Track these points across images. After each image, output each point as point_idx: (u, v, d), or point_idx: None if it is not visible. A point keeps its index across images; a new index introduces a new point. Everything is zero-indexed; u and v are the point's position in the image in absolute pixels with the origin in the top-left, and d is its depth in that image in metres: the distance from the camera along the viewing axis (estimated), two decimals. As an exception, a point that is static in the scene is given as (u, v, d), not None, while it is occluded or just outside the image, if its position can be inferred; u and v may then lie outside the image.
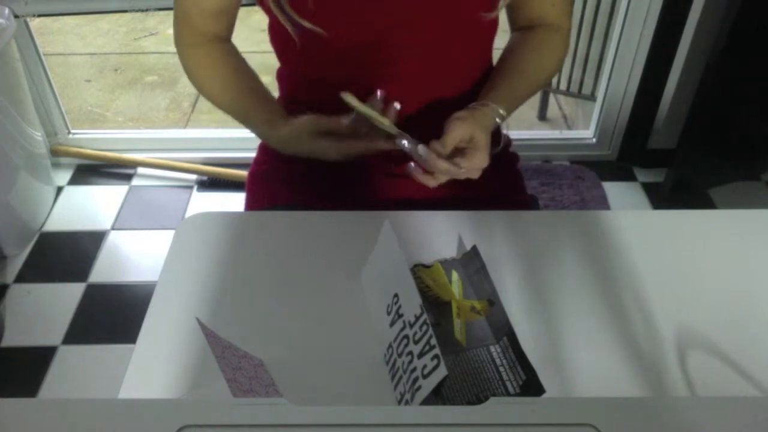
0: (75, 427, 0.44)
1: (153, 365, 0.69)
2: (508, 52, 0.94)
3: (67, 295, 1.72)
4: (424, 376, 0.59)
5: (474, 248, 0.79)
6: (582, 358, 0.69)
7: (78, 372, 1.55)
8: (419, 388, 0.59)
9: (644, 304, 0.74)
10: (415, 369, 0.61)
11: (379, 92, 0.86)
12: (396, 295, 0.66)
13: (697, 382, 0.66)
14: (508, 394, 0.66)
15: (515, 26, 0.96)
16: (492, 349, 0.69)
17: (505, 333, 0.70)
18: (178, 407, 0.46)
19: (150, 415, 0.45)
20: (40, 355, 1.57)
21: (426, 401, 0.58)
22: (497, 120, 0.84)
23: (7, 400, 0.45)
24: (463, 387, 0.66)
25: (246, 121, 0.92)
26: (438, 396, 0.63)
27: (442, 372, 0.57)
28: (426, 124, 0.93)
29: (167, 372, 0.68)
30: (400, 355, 0.64)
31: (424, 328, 0.61)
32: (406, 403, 0.62)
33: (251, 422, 0.44)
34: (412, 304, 0.63)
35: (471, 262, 0.78)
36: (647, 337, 0.71)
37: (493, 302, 0.74)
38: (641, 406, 0.46)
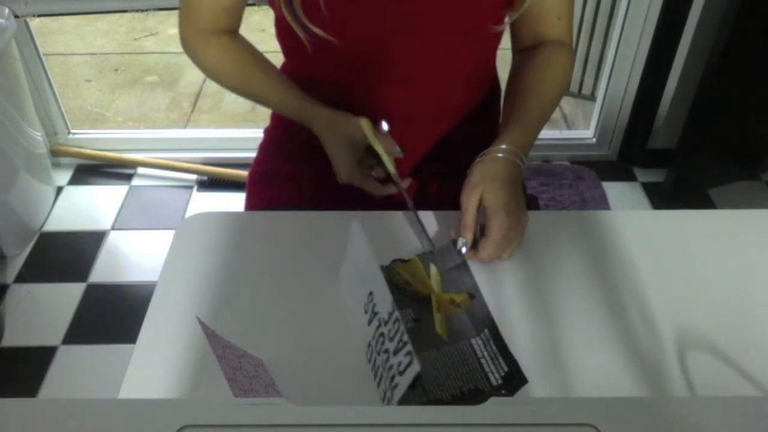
0: (75, 427, 0.44)
1: (153, 365, 0.69)
2: (515, 75, 0.91)
3: (67, 295, 1.72)
4: (400, 373, 0.59)
5: (453, 242, 0.79)
6: (582, 358, 0.69)
7: (78, 372, 1.55)
8: (396, 385, 0.59)
9: (644, 304, 0.74)
10: (392, 366, 0.61)
11: (384, 125, 0.86)
12: (371, 294, 0.66)
13: (697, 382, 0.66)
14: (491, 385, 0.66)
15: (518, 46, 0.93)
16: (473, 341, 0.70)
17: (486, 326, 0.71)
18: (178, 407, 0.46)
19: (150, 415, 0.45)
20: (40, 355, 1.57)
21: (404, 398, 0.59)
22: (518, 162, 0.80)
23: (7, 400, 0.45)
24: (446, 381, 0.66)
25: (276, 103, 0.92)
26: (414, 390, 0.63)
27: (415, 368, 0.57)
28: (427, 129, 0.93)
29: (167, 372, 0.68)
30: (378, 353, 0.64)
31: (396, 324, 0.61)
32: (388, 401, 0.62)
33: (251, 422, 0.44)
34: (385, 302, 0.63)
35: (449, 255, 0.78)
36: (647, 337, 0.71)
37: (473, 296, 0.74)
38: (641, 406, 0.46)
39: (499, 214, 0.76)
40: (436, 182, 0.97)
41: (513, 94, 0.89)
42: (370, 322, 0.66)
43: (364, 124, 0.83)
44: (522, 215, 0.79)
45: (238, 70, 0.92)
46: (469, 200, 0.77)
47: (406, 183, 0.85)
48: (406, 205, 0.85)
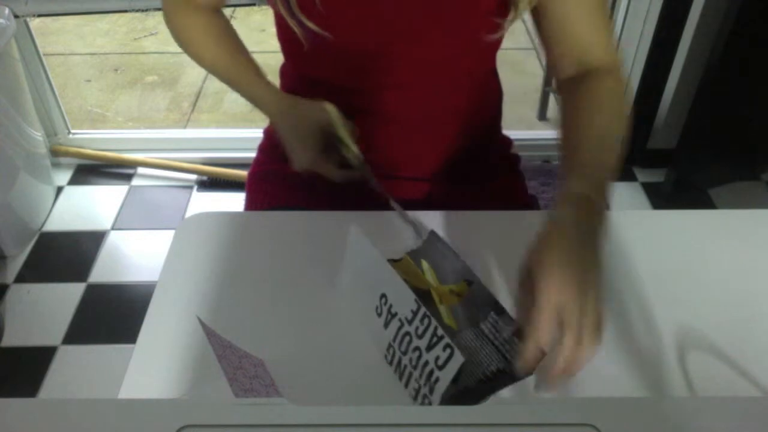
0: (75, 427, 0.44)
1: (153, 365, 0.69)
2: (562, 120, 0.81)
3: (67, 295, 1.72)
4: (440, 368, 0.60)
5: (432, 233, 0.79)
6: (582, 358, 0.69)
7: (78, 372, 1.55)
8: (437, 380, 0.60)
9: (644, 304, 0.74)
10: (427, 363, 0.61)
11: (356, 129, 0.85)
12: (383, 296, 0.67)
13: (697, 382, 0.66)
14: (510, 363, 0.67)
15: (560, 74, 0.83)
16: (482, 326, 0.70)
17: (491, 308, 0.71)
18: (178, 407, 0.46)
19: (150, 415, 0.45)
20: (40, 355, 1.57)
21: (446, 391, 0.60)
22: (581, 218, 0.62)
23: (7, 400, 0.45)
24: (467, 368, 0.67)
25: (238, 80, 0.92)
26: (456, 383, 0.63)
27: (458, 359, 0.58)
28: (428, 131, 0.93)
29: (167, 372, 0.68)
30: (404, 353, 0.64)
31: (426, 321, 0.61)
32: (424, 397, 0.63)
33: (251, 422, 0.44)
34: (406, 301, 0.63)
35: (433, 247, 0.79)
36: (647, 337, 0.71)
37: (471, 282, 0.74)
38: (641, 406, 0.46)
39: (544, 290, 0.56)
40: (439, 186, 0.96)
41: (563, 143, 0.79)
42: (387, 324, 0.66)
43: (331, 108, 0.83)
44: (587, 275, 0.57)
45: (213, 46, 0.92)
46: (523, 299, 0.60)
47: (370, 170, 0.84)
48: (404, 204, 0.84)
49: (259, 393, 0.60)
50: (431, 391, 0.61)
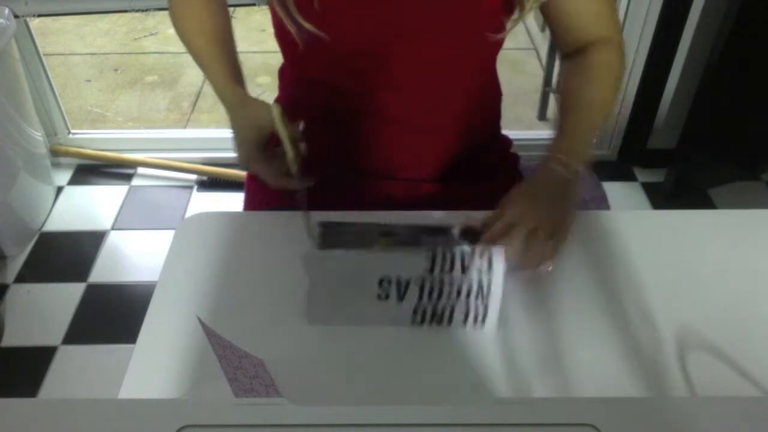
0: (75, 427, 0.44)
1: (153, 365, 0.69)
2: (559, 86, 0.90)
3: (67, 295, 1.72)
4: (487, 273, 0.65)
5: (321, 223, 0.80)
6: (582, 358, 0.69)
7: (78, 372, 1.55)
8: (489, 283, 0.66)
9: (644, 303, 0.74)
10: (471, 283, 0.66)
11: (301, 125, 0.83)
12: (382, 279, 0.68)
13: (697, 382, 0.66)
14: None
15: (563, 49, 0.89)
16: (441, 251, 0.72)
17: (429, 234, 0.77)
18: (178, 407, 0.46)
19: (150, 415, 0.45)
20: (40, 355, 1.57)
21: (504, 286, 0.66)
22: (560, 168, 0.78)
23: (7, 400, 0.45)
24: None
25: (210, 67, 0.92)
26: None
27: (498, 252, 0.64)
28: (428, 132, 0.93)
29: (167, 372, 0.68)
30: (438, 301, 0.68)
31: (448, 253, 0.66)
32: (476, 315, 0.68)
33: (251, 422, 0.44)
34: (416, 258, 0.67)
35: (333, 233, 0.80)
36: (647, 337, 0.71)
37: (388, 232, 0.78)
38: (641, 406, 0.47)
39: (510, 200, 0.74)
40: (438, 186, 0.96)
41: (563, 111, 0.86)
42: (402, 296, 0.69)
43: (275, 109, 0.82)
44: (556, 209, 0.74)
45: (202, 39, 0.92)
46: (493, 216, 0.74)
47: (306, 182, 0.83)
48: (405, 204, 0.84)
49: (259, 393, 0.60)
50: (486, 300, 0.67)
